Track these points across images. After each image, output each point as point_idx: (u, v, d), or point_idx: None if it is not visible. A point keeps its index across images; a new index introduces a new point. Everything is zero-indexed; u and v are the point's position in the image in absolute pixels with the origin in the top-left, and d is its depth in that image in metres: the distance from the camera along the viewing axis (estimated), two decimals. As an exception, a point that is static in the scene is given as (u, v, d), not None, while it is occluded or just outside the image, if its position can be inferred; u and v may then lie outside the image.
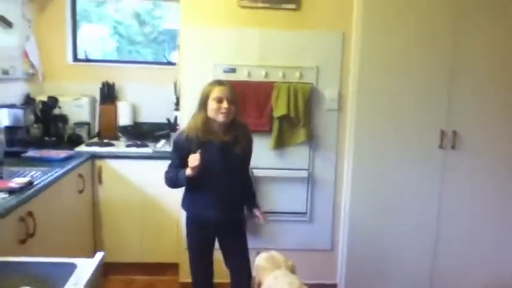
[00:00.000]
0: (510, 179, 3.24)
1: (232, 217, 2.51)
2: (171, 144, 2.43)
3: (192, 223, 2.53)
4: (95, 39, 4.17)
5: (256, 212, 2.59)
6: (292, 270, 2.25)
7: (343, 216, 3.27)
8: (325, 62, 3.11)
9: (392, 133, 3.15)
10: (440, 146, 3.16)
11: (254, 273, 2.23)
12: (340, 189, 3.25)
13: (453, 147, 3.16)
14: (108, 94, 3.86)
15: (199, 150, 2.26)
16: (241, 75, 3.05)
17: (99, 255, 1.70)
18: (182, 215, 3.16)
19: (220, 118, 2.32)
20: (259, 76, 3.06)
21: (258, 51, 3.07)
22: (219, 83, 2.39)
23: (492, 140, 3.20)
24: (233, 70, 3.05)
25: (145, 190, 3.29)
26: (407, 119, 3.14)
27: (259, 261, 2.26)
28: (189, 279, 3.13)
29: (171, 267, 3.35)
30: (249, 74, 3.05)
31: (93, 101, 3.85)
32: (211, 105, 2.32)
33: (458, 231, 3.27)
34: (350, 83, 3.14)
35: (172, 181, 2.45)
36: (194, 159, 2.26)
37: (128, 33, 4.18)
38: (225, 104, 2.30)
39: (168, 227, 3.30)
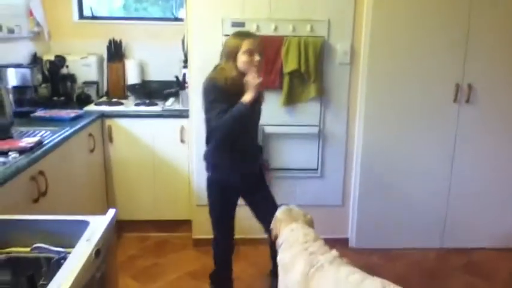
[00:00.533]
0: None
1: (256, 171, 2.53)
2: (209, 93, 2.27)
3: (218, 186, 2.47)
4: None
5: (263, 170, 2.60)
6: (310, 224, 2.26)
7: (354, 172, 3.26)
8: (337, 14, 3.00)
9: (405, 87, 3.08)
10: (455, 100, 3.09)
11: (272, 225, 2.24)
12: (351, 145, 3.22)
13: (467, 101, 3.09)
14: (116, 52, 3.80)
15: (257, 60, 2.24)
16: (249, 29, 2.93)
17: (111, 212, 1.70)
18: (194, 172, 3.19)
19: (252, 70, 2.24)
20: (268, 30, 2.97)
21: (267, 3, 2.96)
22: (248, 35, 2.32)
23: (507, 94, 3.12)
24: (242, 24, 2.95)
25: (155, 148, 3.29)
26: (421, 72, 3.06)
27: (278, 213, 2.26)
28: (202, 235, 3.21)
29: (184, 224, 3.39)
30: (258, 28, 2.96)
31: (100, 60, 3.80)
32: (242, 58, 2.25)
33: (472, 185, 3.26)
34: (363, 36, 3.04)
35: (230, 120, 2.21)
36: (254, 77, 2.21)
37: (135, -10, 4.07)
38: (256, 57, 2.25)
39: (179, 184, 3.32)
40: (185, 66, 3.35)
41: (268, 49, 2.94)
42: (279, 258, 2.08)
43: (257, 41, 2.28)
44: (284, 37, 2.96)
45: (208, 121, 2.34)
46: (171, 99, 3.54)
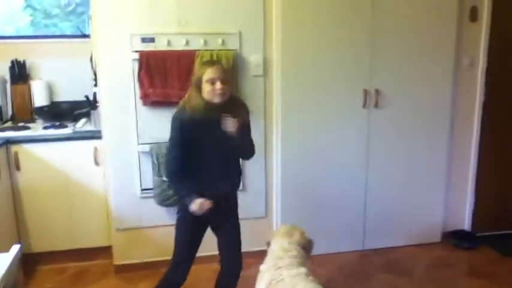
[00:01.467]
0: (430, 133, 3.40)
1: (230, 193, 2.50)
2: (172, 124, 2.32)
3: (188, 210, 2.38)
4: (5, 14, 3.82)
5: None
6: (304, 244, 2.36)
7: (275, 183, 3.29)
8: (248, 27, 3.04)
9: (318, 95, 3.18)
10: (364, 105, 3.23)
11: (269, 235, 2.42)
12: (270, 155, 3.25)
13: (376, 105, 3.24)
14: (20, 73, 3.58)
15: (207, 201, 2.27)
16: (160, 45, 2.91)
17: (15, 248, 1.58)
18: (111, 195, 3.07)
19: (216, 99, 2.26)
20: (179, 45, 2.93)
21: (176, 17, 2.93)
22: (210, 63, 2.34)
23: (413, 97, 3.32)
24: (152, 39, 2.90)
25: (68, 173, 3.12)
26: (331, 80, 3.18)
27: (280, 227, 2.44)
28: (123, 261, 3.08)
29: (104, 251, 3.24)
30: (169, 43, 2.91)
31: (3, 82, 3.56)
32: (206, 87, 2.26)
33: (386, 187, 3.41)
34: (274, 47, 3.09)
35: (176, 191, 2.41)
36: (202, 205, 2.26)
37: (42, 6, 3.85)
38: (218, 85, 2.24)
39: (96, 209, 3.17)
40: (96, 85, 3.22)
41: (181, 64, 2.93)
42: (260, 267, 2.23)
43: (219, 69, 2.29)
44: (196, 51, 2.94)
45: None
46: (83, 120, 3.38)
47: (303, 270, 2.09)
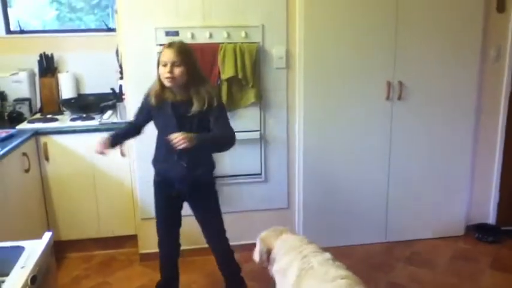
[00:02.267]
0: (454, 126, 3.37)
1: (194, 176, 2.43)
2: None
3: (157, 179, 2.56)
4: (32, 8, 3.91)
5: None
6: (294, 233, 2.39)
7: (297, 174, 3.31)
8: (270, 20, 3.04)
9: (340, 87, 3.18)
10: (387, 98, 3.21)
11: (259, 245, 2.33)
12: (293, 147, 3.27)
13: (399, 98, 3.22)
14: (48, 66, 3.66)
15: (108, 137, 2.46)
16: (184, 38, 2.92)
17: (48, 235, 1.64)
18: (137, 185, 3.13)
19: (166, 83, 2.29)
20: (203, 38, 2.96)
21: (200, 11, 2.96)
22: (168, 45, 2.31)
23: (436, 89, 3.28)
24: (176, 33, 2.94)
25: (95, 164, 3.19)
26: (354, 72, 3.16)
27: (262, 234, 2.37)
28: (148, 250, 3.15)
29: (130, 239, 3.32)
30: (193, 36, 2.95)
31: (32, 75, 3.65)
32: (159, 70, 2.30)
33: (409, 179, 3.40)
34: (297, 40, 3.10)
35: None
36: (98, 145, 2.45)
37: (67, 0, 3.93)
38: (167, 69, 2.25)
39: (123, 199, 3.24)
40: (121, 78, 3.28)
41: (204, 56, 2.96)
42: (275, 268, 2.20)
43: (173, 51, 2.24)
44: (220, 44, 2.96)
45: None
46: (109, 112, 3.45)
47: (328, 255, 2.10)
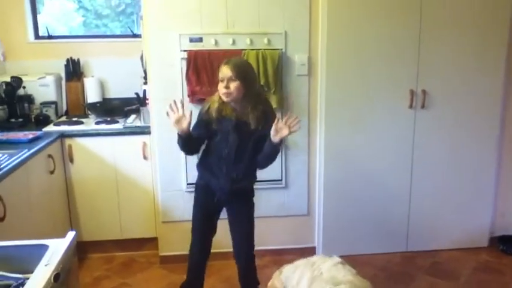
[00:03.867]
0: (478, 135, 3.32)
1: (236, 189, 2.49)
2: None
3: (200, 183, 2.58)
4: (59, 14, 4.02)
5: (277, 136, 2.32)
6: None
7: (317, 181, 3.30)
8: (293, 27, 3.06)
9: (362, 95, 3.16)
10: (410, 106, 3.19)
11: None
12: (314, 154, 3.26)
13: (423, 106, 3.19)
14: (74, 71, 3.75)
15: (190, 111, 2.31)
16: (208, 44, 2.98)
17: (71, 234, 1.67)
18: (158, 188, 3.17)
19: (224, 98, 2.33)
20: (226, 44, 2.99)
21: (224, 18, 3.00)
22: (225, 62, 2.34)
23: (461, 98, 3.24)
24: (200, 39, 2.98)
25: (118, 166, 3.25)
26: (377, 80, 3.15)
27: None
28: (169, 252, 3.19)
29: (150, 242, 3.35)
30: (216, 43, 2.99)
31: (58, 79, 3.74)
32: (219, 86, 2.34)
33: (431, 188, 3.35)
34: (319, 47, 3.10)
35: (177, 141, 2.43)
36: (178, 120, 2.29)
37: (93, 7, 4.03)
38: (223, 84, 2.30)
39: (144, 202, 3.28)
40: (146, 83, 3.34)
41: (227, 63, 2.98)
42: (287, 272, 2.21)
43: (228, 67, 2.30)
44: (242, 50, 2.99)
45: None
46: (133, 116, 3.51)
47: (337, 259, 2.11)
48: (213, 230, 2.61)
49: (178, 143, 2.41)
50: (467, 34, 3.15)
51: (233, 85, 2.29)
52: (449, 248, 3.46)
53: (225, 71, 2.30)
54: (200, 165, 2.57)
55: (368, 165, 3.27)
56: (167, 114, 2.32)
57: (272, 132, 2.30)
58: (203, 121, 2.43)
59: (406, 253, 3.43)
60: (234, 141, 2.39)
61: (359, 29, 3.07)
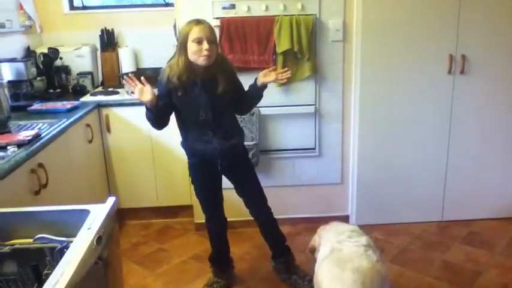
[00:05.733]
0: (521, 101, 3.19)
1: (232, 145, 2.45)
2: (158, 84, 2.42)
3: (193, 161, 2.55)
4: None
5: (263, 79, 2.42)
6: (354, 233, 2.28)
7: (351, 149, 3.27)
8: (328, -9, 2.99)
9: (399, 61, 3.08)
10: (449, 72, 3.09)
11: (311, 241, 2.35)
12: (348, 122, 3.22)
13: (462, 72, 3.09)
14: (108, 41, 3.79)
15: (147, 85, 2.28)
16: (241, 11, 2.94)
17: (111, 199, 1.72)
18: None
19: (202, 61, 2.23)
20: (259, 10, 2.95)
21: (256, -17, 2.95)
22: (197, 22, 2.24)
23: (501, 64, 3.12)
24: (232, 6, 2.94)
25: (153, 135, 3.30)
26: (414, 45, 3.05)
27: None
28: (203, 220, 3.22)
29: (186, 209, 3.42)
30: (249, 9, 2.94)
31: (94, 50, 3.79)
32: (192, 47, 2.22)
33: (469, 157, 3.27)
34: (354, 12, 3.02)
35: (148, 118, 2.43)
36: (140, 90, 2.26)
37: (125, -22, 4.03)
38: (205, 45, 2.19)
39: (179, 170, 3.33)
40: (178, 52, 3.34)
41: (260, 29, 2.96)
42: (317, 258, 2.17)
43: (207, 28, 2.22)
44: (275, 17, 2.94)
45: None
46: (167, 86, 3.53)
47: (364, 241, 2.07)
48: (221, 200, 2.63)
49: (148, 117, 2.39)
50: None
51: (214, 47, 2.23)
52: (485, 218, 3.39)
53: (205, 32, 2.20)
54: (185, 143, 2.51)
55: (404, 133, 3.21)
56: (128, 93, 2.29)
57: (260, 74, 2.38)
58: (165, 91, 2.34)
59: (442, 222, 3.39)
60: (206, 101, 2.31)
61: (396, -7, 2.97)
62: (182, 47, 2.25)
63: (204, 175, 2.55)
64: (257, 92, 2.46)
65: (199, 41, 2.20)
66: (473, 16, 3.00)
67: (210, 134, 2.39)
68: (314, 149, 3.24)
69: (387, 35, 3.03)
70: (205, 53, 2.20)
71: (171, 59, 2.37)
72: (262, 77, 2.40)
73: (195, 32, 2.20)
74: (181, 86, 2.29)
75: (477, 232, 3.27)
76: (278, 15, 2.94)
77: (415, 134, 3.21)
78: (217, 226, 2.68)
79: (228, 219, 2.73)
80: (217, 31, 2.92)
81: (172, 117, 2.48)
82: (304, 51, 2.97)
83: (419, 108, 3.16)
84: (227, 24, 2.93)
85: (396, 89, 3.13)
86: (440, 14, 3.00)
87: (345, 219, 3.38)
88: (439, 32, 3.03)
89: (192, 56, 2.23)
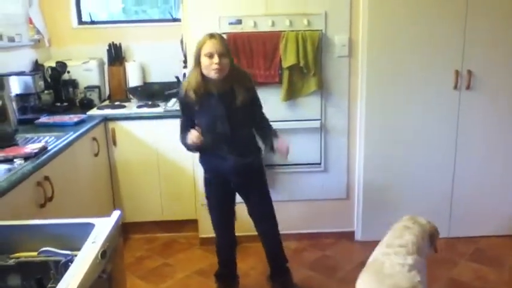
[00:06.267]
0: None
1: (246, 164, 2.46)
2: (178, 100, 2.49)
3: (208, 177, 2.56)
4: (101, 1, 4.10)
5: (276, 144, 2.51)
6: (431, 230, 2.36)
7: (357, 164, 3.26)
8: (333, 7, 3.00)
9: (405, 76, 3.08)
10: (455, 87, 3.09)
11: None
12: (353, 137, 3.22)
13: (468, 87, 3.09)
14: (116, 55, 3.83)
15: (196, 128, 2.34)
16: (247, 26, 2.97)
17: (116, 213, 1.72)
18: (198, 171, 3.21)
19: (213, 74, 2.27)
20: (265, 26, 2.97)
21: (263, -1, 2.98)
22: (210, 36, 2.29)
23: (507, 80, 3.11)
24: (239, 21, 2.97)
25: (159, 149, 3.31)
26: (420, 60, 3.06)
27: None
28: (208, 234, 3.23)
29: (191, 223, 3.41)
30: (255, 25, 2.97)
31: (101, 64, 3.83)
32: (204, 61, 2.27)
33: (476, 174, 3.25)
34: (360, 27, 3.03)
35: (186, 147, 2.48)
36: (193, 136, 2.30)
37: (133, -7, 4.09)
38: (215, 59, 2.23)
39: (185, 184, 3.34)
40: (185, 67, 3.36)
41: (266, 45, 2.98)
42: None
43: (218, 42, 2.26)
44: (282, 32, 2.96)
45: None
46: (173, 100, 3.55)
47: (410, 261, 2.02)
48: (233, 216, 2.62)
49: (189, 148, 2.46)
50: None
51: (225, 61, 2.26)
52: (492, 235, 3.35)
53: (216, 46, 2.24)
54: (202, 158, 2.54)
55: (410, 149, 3.20)
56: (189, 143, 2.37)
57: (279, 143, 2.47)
58: (185, 106, 2.42)
59: (448, 239, 3.35)
60: (223, 112, 2.34)
61: (402, 8, 2.98)
62: (197, 60, 2.30)
63: (218, 191, 2.56)
64: (268, 140, 2.52)
65: (210, 55, 2.25)
66: (479, 32, 3.01)
67: (226, 149, 2.41)
68: (320, 163, 3.23)
69: (393, 50, 3.04)
70: (215, 66, 2.24)
71: (190, 73, 2.41)
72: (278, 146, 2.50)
73: (207, 47, 2.25)
74: (198, 99, 2.33)
75: (484, 249, 3.24)
76: (284, 31, 2.96)
77: (421, 149, 3.20)
78: (226, 244, 2.67)
79: (236, 234, 2.71)
80: (224, 46, 2.97)
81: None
82: (310, 66, 2.98)
83: (425, 123, 3.16)
84: (233, 39, 2.95)
85: (402, 105, 3.12)
86: (446, 29, 3.01)
87: (350, 234, 3.37)
88: (445, 48, 3.04)
89: (204, 70, 2.28)
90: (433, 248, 2.35)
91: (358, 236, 3.36)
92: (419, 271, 2.00)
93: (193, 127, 2.38)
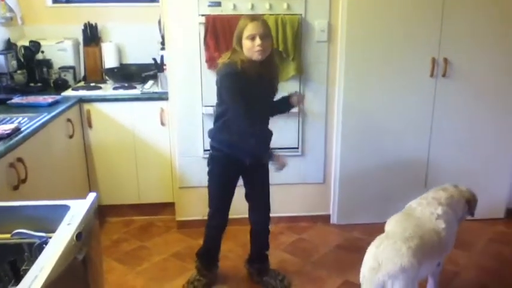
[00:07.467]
0: (501, 106, 3.25)
1: (267, 145, 2.49)
2: (226, 80, 2.32)
3: (217, 158, 2.51)
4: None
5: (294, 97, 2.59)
6: (469, 196, 2.56)
7: (334, 149, 3.29)
8: (313, -9, 3.00)
9: (383, 63, 3.11)
10: (431, 75, 3.13)
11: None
12: (331, 122, 3.24)
13: (444, 75, 3.13)
14: (92, 36, 3.74)
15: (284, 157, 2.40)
16: (226, 9, 2.93)
17: (92, 195, 1.70)
18: (175, 154, 3.19)
19: (256, 56, 2.29)
20: (245, 9, 2.94)
21: (242, -18, 2.94)
22: (252, 18, 2.30)
23: (483, 67, 3.17)
24: (218, 4, 2.93)
25: (136, 132, 3.27)
26: (398, 47, 3.09)
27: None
28: (185, 217, 3.24)
29: (168, 207, 3.40)
30: (235, 7, 2.94)
31: (76, 44, 3.74)
32: (246, 44, 2.27)
33: (450, 160, 3.32)
34: (339, 13, 3.04)
35: (241, 119, 2.35)
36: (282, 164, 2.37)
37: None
38: (257, 41, 2.24)
39: (162, 167, 3.32)
40: (163, 48, 3.32)
41: (245, 28, 2.94)
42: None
43: (260, 24, 2.27)
44: (261, 15, 2.93)
45: (219, 104, 2.42)
46: (150, 82, 3.51)
47: (439, 210, 2.28)
48: (231, 200, 2.62)
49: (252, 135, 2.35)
50: (491, 3, 3.05)
51: (267, 42, 2.29)
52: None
53: (258, 28, 2.25)
54: (222, 134, 2.45)
55: (386, 135, 3.24)
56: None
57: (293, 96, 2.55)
58: (240, 81, 2.30)
59: (422, 223, 3.42)
60: (261, 96, 2.40)
61: (381, -5, 3.00)
62: (238, 42, 2.31)
63: (225, 171, 2.53)
64: (287, 108, 2.64)
65: (252, 38, 2.25)
66: (456, 20, 3.05)
67: (258, 128, 2.41)
68: (297, 148, 3.25)
69: (371, 36, 3.06)
70: (258, 48, 2.25)
71: (228, 56, 2.35)
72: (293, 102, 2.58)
73: (249, 29, 2.26)
74: (245, 78, 2.30)
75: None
76: (264, 14, 2.93)
77: (397, 135, 3.25)
78: (218, 224, 2.66)
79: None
80: (201, 28, 2.94)
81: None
82: (289, 51, 2.97)
83: (401, 109, 3.20)
84: (212, 22, 2.92)
85: (379, 91, 3.16)
86: (423, 17, 3.04)
87: (326, 218, 3.41)
88: (422, 36, 3.07)
89: (247, 52, 2.29)
90: (469, 213, 2.55)
91: (334, 220, 3.41)
92: (447, 222, 2.26)
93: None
